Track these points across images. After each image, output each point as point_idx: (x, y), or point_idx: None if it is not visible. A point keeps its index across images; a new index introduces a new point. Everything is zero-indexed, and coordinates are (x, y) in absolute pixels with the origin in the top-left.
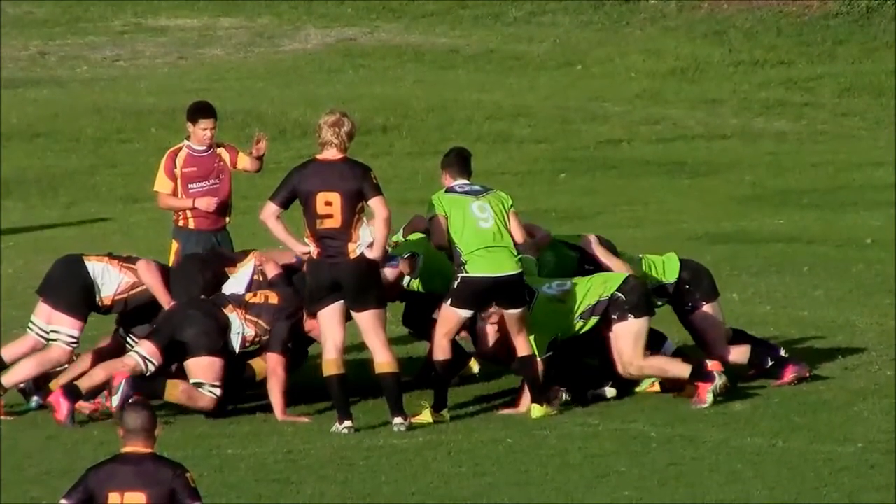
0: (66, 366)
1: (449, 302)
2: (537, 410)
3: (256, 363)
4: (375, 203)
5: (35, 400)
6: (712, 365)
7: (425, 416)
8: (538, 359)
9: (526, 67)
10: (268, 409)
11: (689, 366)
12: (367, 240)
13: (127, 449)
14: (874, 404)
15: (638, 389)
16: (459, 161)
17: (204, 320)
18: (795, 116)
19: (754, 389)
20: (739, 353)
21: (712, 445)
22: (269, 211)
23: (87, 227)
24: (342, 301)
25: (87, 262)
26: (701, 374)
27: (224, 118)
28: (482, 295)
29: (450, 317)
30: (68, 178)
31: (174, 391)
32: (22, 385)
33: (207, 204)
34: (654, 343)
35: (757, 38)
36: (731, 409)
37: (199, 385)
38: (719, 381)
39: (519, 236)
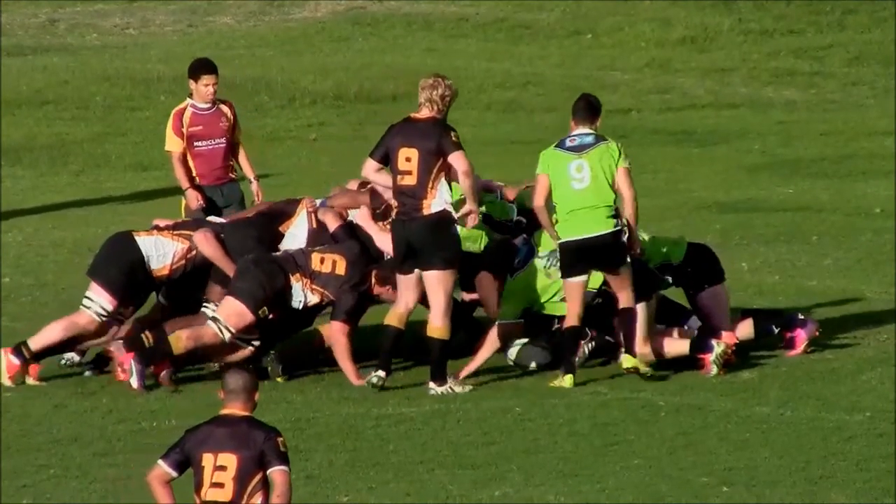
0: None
1: (561, 275)
2: (629, 361)
3: (324, 329)
4: (455, 158)
5: (69, 357)
6: (727, 336)
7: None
8: (498, 323)
9: (536, 36)
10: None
11: (687, 341)
12: (445, 197)
13: (225, 411)
14: (882, 373)
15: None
16: (581, 108)
17: (261, 278)
18: (805, 85)
19: (762, 359)
20: (744, 329)
21: (720, 414)
22: (369, 167)
23: (95, 195)
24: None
25: (137, 238)
26: (700, 346)
27: (233, 86)
28: (578, 256)
29: (569, 287)
30: (77, 145)
31: (179, 344)
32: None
33: (194, 202)
34: (676, 319)
35: (766, 7)
36: (740, 378)
37: (215, 320)
38: (718, 348)
39: (625, 191)
